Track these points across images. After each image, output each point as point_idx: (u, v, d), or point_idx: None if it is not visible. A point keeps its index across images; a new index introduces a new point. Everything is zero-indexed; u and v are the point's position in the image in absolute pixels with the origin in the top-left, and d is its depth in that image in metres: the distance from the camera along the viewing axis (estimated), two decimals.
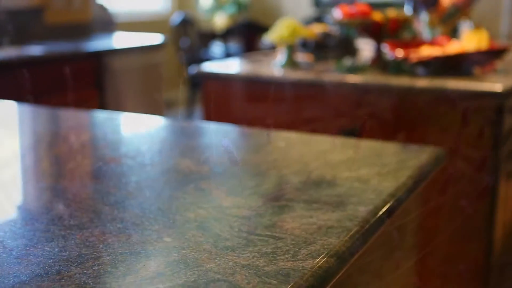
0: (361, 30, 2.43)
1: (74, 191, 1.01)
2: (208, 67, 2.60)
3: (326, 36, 2.37)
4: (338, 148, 1.30)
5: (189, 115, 5.47)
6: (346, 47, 2.36)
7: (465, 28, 2.74)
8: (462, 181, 2.14)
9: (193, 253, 0.75)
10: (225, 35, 5.08)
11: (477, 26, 2.40)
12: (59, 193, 1.00)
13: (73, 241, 0.79)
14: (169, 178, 1.08)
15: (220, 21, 6.17)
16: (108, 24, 4.52)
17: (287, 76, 2.35)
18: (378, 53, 2.48)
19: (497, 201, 2.15)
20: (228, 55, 5.05)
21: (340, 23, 2.35)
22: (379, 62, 2.45)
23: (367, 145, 1.32)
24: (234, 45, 5.72)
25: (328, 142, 1.36)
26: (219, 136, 1.45)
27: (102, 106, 3.70)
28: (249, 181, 1.05)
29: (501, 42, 3.71)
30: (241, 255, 0.75)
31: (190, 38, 5.34)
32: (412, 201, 1.17)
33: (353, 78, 2.25)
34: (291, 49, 2.50)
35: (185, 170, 1.12)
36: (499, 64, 2.61)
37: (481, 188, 2.12)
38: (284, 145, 1.33)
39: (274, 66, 2.55)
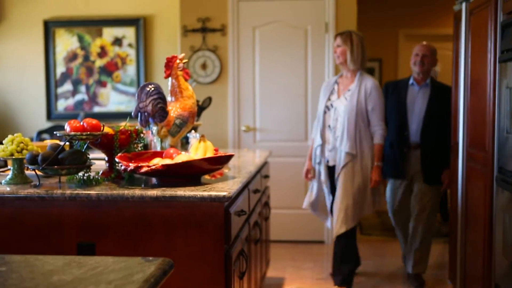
0: (92, 143, 2.44)
1: None
2: None
3: (56, 149, 2.33)
4: (66, 267, 1.26)
5: None
6: (78, 161, 2.34)
7: (193, 139, 2.92)
8: (196, 286, 2.21)
9: None
10: None
11: (202, 136, 2.57)
12: None
13: None
14: None
15: None
16: None
17: (14, 192, 2.24)
18: (111, 165, 2.51)
19: None
20: None
21: (69, 137, 2.34)
22: (112, 174, 2.47)
23: (96, 261, 1.30)
24: None
25: (56, 262, 1.30)
26: None
27: None
28: None
29: (227, 151, 4.01)
30: None
31: None
32: None
33: (86, 191, 2.22)
34: (19, 164, 2.41)
35: None
36: (227, 171, 2.81)
37: None
38: (5, 270, 1.25)
39: (2, 182, 2.41)
